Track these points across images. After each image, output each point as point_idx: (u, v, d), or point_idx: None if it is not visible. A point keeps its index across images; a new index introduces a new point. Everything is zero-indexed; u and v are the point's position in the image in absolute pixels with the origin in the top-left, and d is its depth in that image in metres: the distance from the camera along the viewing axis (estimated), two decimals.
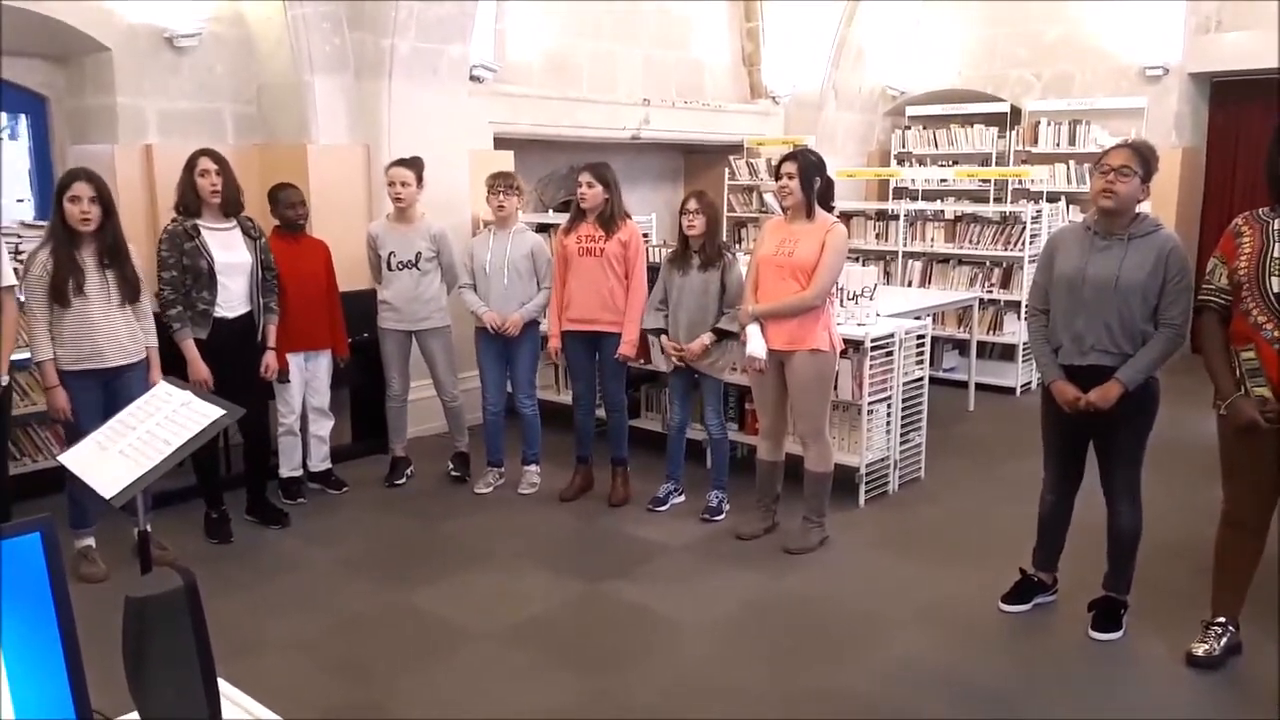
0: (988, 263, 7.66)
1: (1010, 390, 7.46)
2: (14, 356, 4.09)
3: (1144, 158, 3.43)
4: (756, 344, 4.36)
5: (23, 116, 5.69)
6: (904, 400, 5.26)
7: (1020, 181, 8.80)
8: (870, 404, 5.04)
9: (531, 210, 7.65)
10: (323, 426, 5.23)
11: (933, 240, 7.89)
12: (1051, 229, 6.96)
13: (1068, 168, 8.82)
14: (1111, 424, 3.50)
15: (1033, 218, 7.32)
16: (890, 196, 9.55)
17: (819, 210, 4.33)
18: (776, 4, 9.22)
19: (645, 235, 5.94)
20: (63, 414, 4.03)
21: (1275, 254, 3.18)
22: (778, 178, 4.38)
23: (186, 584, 1.36)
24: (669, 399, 5.11)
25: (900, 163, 10.02)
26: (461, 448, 5.52)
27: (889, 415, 5.20)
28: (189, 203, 4.42)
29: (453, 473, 5.49)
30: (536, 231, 5.45)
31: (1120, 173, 3.37)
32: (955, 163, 9.61)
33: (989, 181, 9.33)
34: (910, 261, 7.97)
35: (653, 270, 5.01)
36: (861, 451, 5.06)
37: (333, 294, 5.14)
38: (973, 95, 9.74)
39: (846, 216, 7.72)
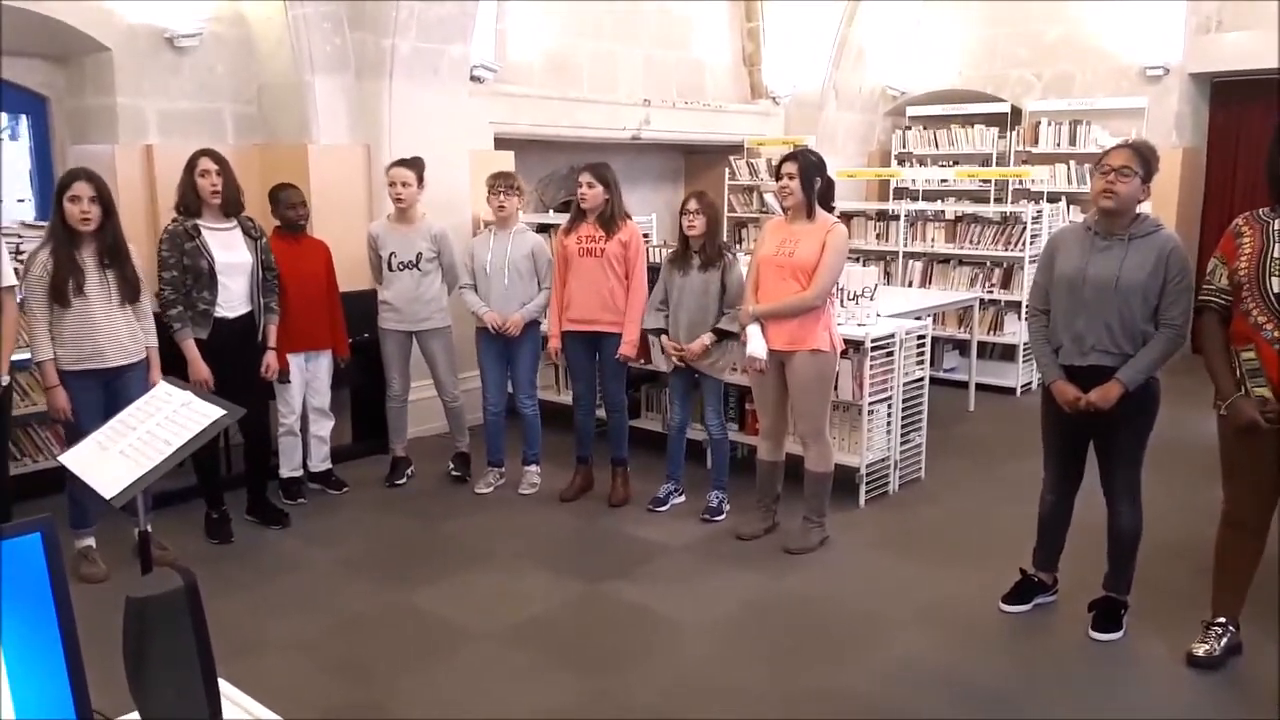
0: (988, 263, 7.66)
1: (1011, 390, 7.46)
2: (14, 357, 4.09)
3: (1144, 158, 3.43)
4: (757, 344, 4.36)
5: (23, 117, 5.69)
6: (904, 400, 5.26)
7: (1021, 182, 8.80)
8: (871, 404, 5.04)
9: (532, 210, 7.66)
10: (323, 427, 5.23)
11: (933, 240, 7.89)
12: (1052, 229, 6.96)
13: (1068, 168, 8.82)
14: (1112, 424, 3.50)
15: (1033, 218, 7.32)
16: (891, 197, 9.55)
17: (819, 210, 4.33)
18: (777, 4, 9.22)
19: (645, 235, 5.95)
20: (63, 414, 4.03)
21: (1275, 254, 3.18)
22: (778, 178, 4.39)
23: (187, 584, 1.37)
24: (669, 399, 5.11)
25: (901, 163, 10.02)
26: (462, 448, 5.52)
27: (889, 415, 5.20)
28: (189, 203, 4.42)
29: (453, 473, 5.49)
30: (537, 232, 5.45)
31: (1121, 173, 3.37)
32: (956, 163, 9.61)
33: (989, 182, 9.33)
34: (911, 262, 7.97)
35: (653, 270, 5.01)
36: (862, 452, 5.06)
37: (333, 294, 5.14)
38: (973, 95, 9.74)
39: (847, 217, 7.72)
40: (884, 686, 3.35)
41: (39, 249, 3.99)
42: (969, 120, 9.73)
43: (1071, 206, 8.26)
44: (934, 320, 6.97)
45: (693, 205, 4.66)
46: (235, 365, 4.50)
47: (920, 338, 5.37)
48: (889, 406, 5.18)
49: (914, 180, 9.57)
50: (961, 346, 7.68)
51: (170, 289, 4.38)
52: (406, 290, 5.21)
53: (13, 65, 5.38)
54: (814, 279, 4.24)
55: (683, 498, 5.10)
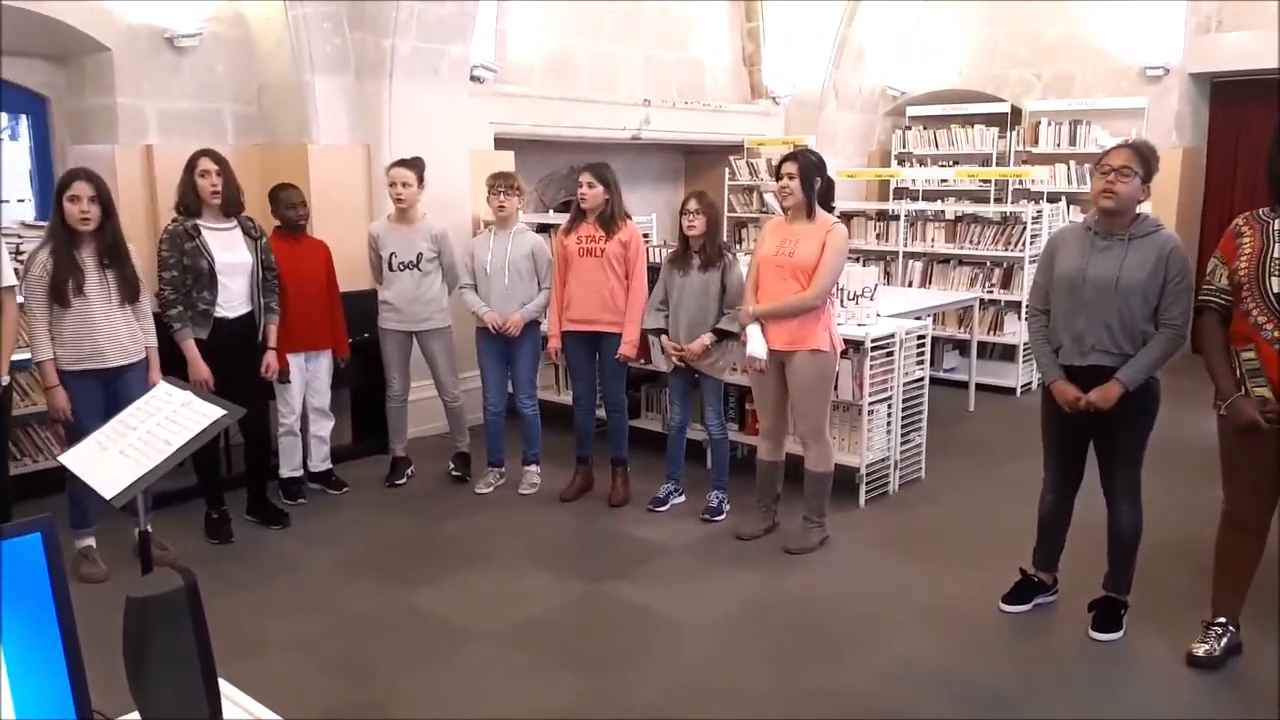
0: (988, 263, 7.66)
1: (1011, 390, 7.46)
2: (14, 357, 4.09)
3: (1144, 158, 3.43)
4: (757, 344, 4.36)
5: (23, 117, 5.69)
6: (904, 400, 5.26)
7: (1021, 182, 8.79)
8: (871, 404, 5.04)
9: (532, 210, 7.66)
10: (323, 427, 5.23)
11: (933, 240, 7.89)
12: (1052, 229, 6.96)
13: (1068, 168, 8.82)
14: (1112, 424, 3.50)
15: (1033, 218, 7.32)
16: (891, 197, 9.55)
17: (819, 210, 4.33)
18: (777, 4, 9.22)
19: (645, 235, 5.95)
20: (63, 414, 4.03)
21: (1275, 254, 3.18)
22: (778, 178, 4.39)
23: (187, 584, 1.37)
24: (669, 399, 5.11)
25: (901, 163, 10.02)
26: (462, 448, 5.52)
27: (889, 415, 5.20)
28: (189, 203, 4.43)
29: (453, 473, 5.49)
30: (537, 232, 5.45)
31: (1121, 173, 3.37)
32: (956, 163, 9.61)
33: (989, 182, 9.33)
34: (911, 262, 7.97)
35: (653, 270, 5.01)
36: (862, 452, 5.06)
37: (333, 294, 5.14)
38: (973, 95, 9.74)
39: (847, 217, 7.72)
40: (884, 686, 3.35)
41: (38, 249, 3.99)
42: (969, 120, 9.73)
43: (1071, 207, 8.26)
44: (934, 320, 6.97)
45: (693, 205, 4.66)
46: (235, 365, 4.50)
47: (920, 338, 5.37)
48: (889, 406, 5.18)
49: (914, 180, 9.57)
50: (961, 346, 7.68)
51: (170, 289, 4.38)
52: (407, 290, 5.21)
53: (13, 65, 5.38)
54: (814, 279, 4.24)
55: (683, 498, 5.10)
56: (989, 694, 3.31)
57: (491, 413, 5.27)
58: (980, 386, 7.25)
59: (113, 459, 2.66)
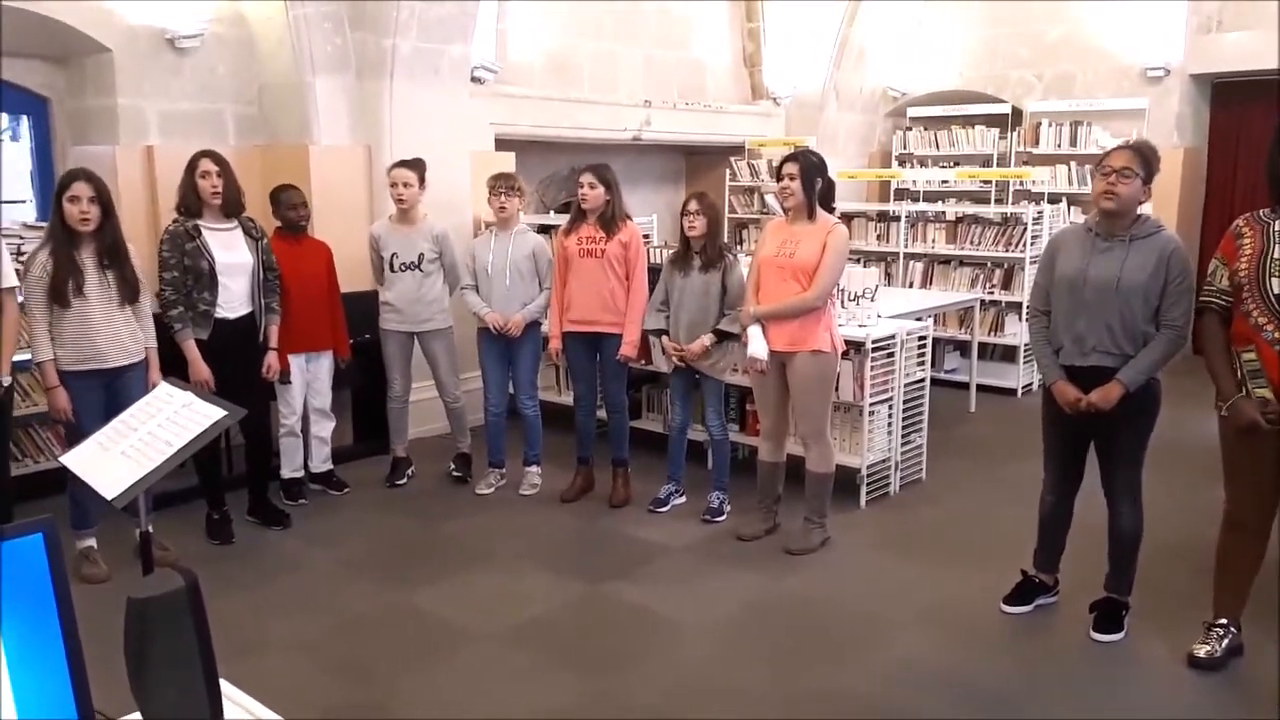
0: (989, 264, 7.66)
1: (1011, 391, 7.46)
2: (15, 357, 4.09)
3: (1145, 159, 3.43)
4: (758, 345, 4.36)
5: (24, 118, 5.69)
6: (905, 401, 5.26)
7: (1021, 183, 8.80)
8: (871, 405, 5.04)
9: (533, 211, 7.66)
10: (324, 427, 5.23)
11: (934, 241, 7.88)
12: (1053, 230, 6.96)
13: (1069, 169, 8.82)
14: (1112, 425, 3.50)
15: (1034, 219, 7.32)
16: (891, 198, 9.56)
17: (820, 211, 4.34)
18: (778, 4, 9.22)
19: (646, 236, 5.95)
20: (64, 414, 4.03)
21: (1276, 255, 3.18)
22: (779, 179, 4.39)
23: (188, 584, 1.37)
24: (670, 400, 5.11)
25: (901, 164, 10.02)
26: (463, 448, 5.52)
27: (890, 416, 5.20)
28: (190, 204, 4.43)
29: (454, 473, 5.49)
30: (538, 233, 5.45)
31: (1122, 175, 3.37)
32: (956, 164, 9.60)
33: (990, 183, 9.33)
34: (911, 263, 7.96)
35: (654, 271, 5.01)
36: (863, 452, 5.06)
37: (334, 295, 5.14)
38: (974, 96, 9.74)
39: (848, 218, 7.72)
40: (885, 687, 3.35)
41: (38, 249, 4.00)
42: (970, 121, 9.74)
43: (1072, 208, 8.26)
44: (935, 321, 6.97)
45: (693, 206, 4.66)
46: (236, 366, 4.50)
47: (921, 339, 5.37)
48: (890, 407, 5.18)
49: (915, 181, 9.57)
50: (962, 347, 7.68)
51: (171, 289, 4.38)
52: (408, 291, 5.21)
53: (13, 66, 5.39)
54: (815, 280, 4.24)
55: (683, 498, 5.10)
56: (990, 695, 3.30)
57: (492, 413, 5.27)
58: (981, 387, 7.25)
59: (114, 460, 2.66)
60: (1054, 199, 8.18)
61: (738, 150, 9.33)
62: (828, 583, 4.20)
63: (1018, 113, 9.47)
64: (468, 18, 6.20)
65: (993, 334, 7.71)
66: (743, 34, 9.47)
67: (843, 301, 5.10)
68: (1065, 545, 3.89)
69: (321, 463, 5.29)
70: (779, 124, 9.65)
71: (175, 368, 4.31)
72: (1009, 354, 7.76)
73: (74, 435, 3.83)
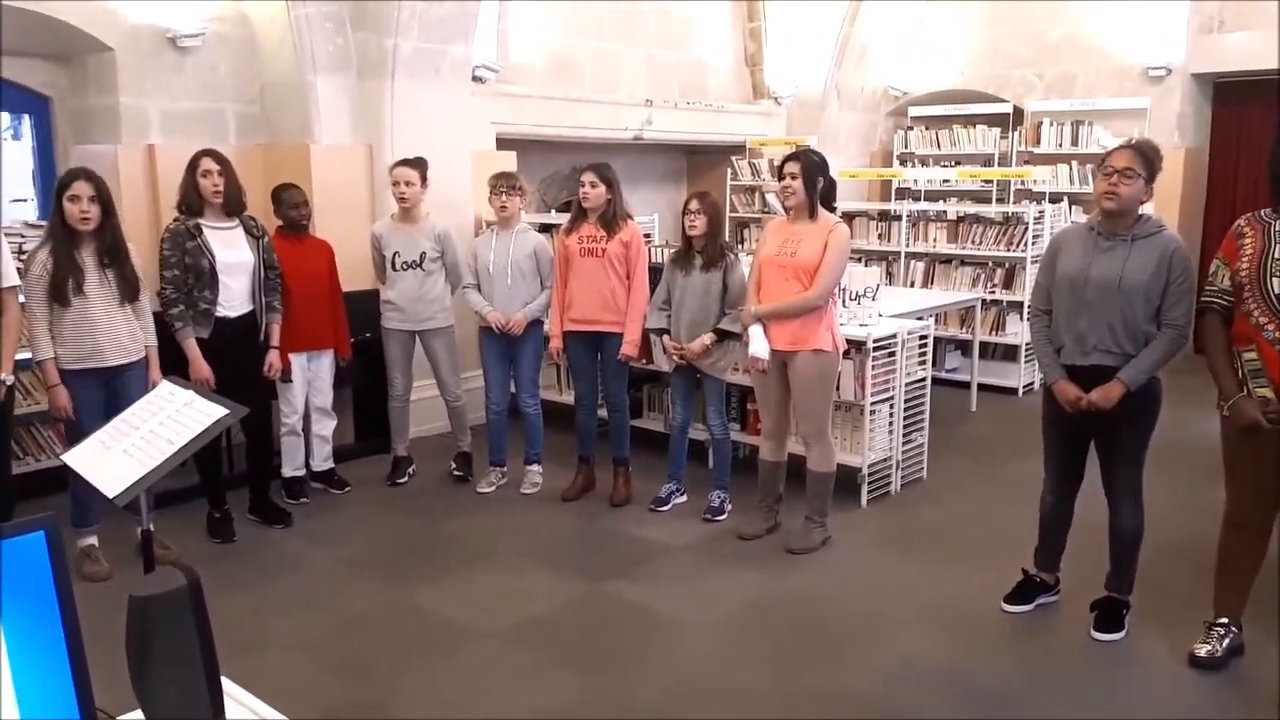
0: (990, 263, 7.66)
1: (1013, 391, 7.46)
2: (17, 356, 4.10)
3: (1148, 159, 3.42)
4: (759, 344, 4.36)
5: (26, 116, 5.70)
6: (906, 400, 5.25)
7: (1023, 182, 8.79)
8: (873, 404, 5.04)
9: (534, 210, 7.66)
10: (325, 426, 5.23)
11: (935, 241, 7.88)
12: (1054, 230, 6.96)
13: (1070, 168, 8.81)
14: (1113, 424, 3.50)
15: (1035, 218, 7.32)
16: (893, 197, 9.55)
17: (821, 210, 4.34)
18: (779, 4, 9.22)
19: (647, 236, 5.95)
20: (64, 412, 4.03)
21: (1276, 255, 3.18)
22: (780, 178, 4.39)
23: (190, 583, 1.37)
24: (671, 399, 5.11)
25: (903, 163, 10.02)
26: (464, 447, 5.52)
27: (891, 415, 5.19)
28: (191, 202, 4.43)
29: (455, 472, 5.49)
30: (539, 232, 5.45)
31: (1124, 175, 3.37)
32: (958, 163, 9.60)
33: (991, 182, 9.33)
34: (913, 262, 7.96)
35: (655, 270, 5.01)
36: (864, 452, 5.06)
37: (336, 294, 5.14)
38: (975, 95, 9.74)
39: (849, 217, 7.71)
40: (886, 686, 3.35)
41: (38, 248, 4.00)
42: (971, 120, 9.73)
43: (1074, 207, 8.25)
44: (936, 320, 6.96)
45: (694, 205, 4.67)
46: (237, 364, 4.50)
47: (922, 338, 5.36)
48: (891, 406, 5.17)
49: (916, 180, 9.57)
50: (963, 347, 7.67)
51: (172, 288, 4.39)
52: (410, 290, 5.21)
53: (15, 65, 5.39)
54: (816, 279, 4.24)
55: (684, 497, 5.10)
56: (991, 694, 3.31)
57: (494, 412, 5.27)
58: (982, 387, 7.25)
59: (115, 458, 2.66)
60: (1055, 198, 8.17)
61: (739, 149, 9.33)
62: (829, 582, 4.20)
63: (1019, 112, 9.46)
64: (469, 18, 6.20)
65: (994, 333, 7.71)
66: (744, 33, 9.47)
67: (844, 301, 5.10)
68: (1066, 544, 3.89)
69: (323, 461, 5.29)
70: (780, 123, 9.65)
71: (175, 367, 4.31)
72: (1010, 353, 7.76)
73: (74, 434, 3.84)
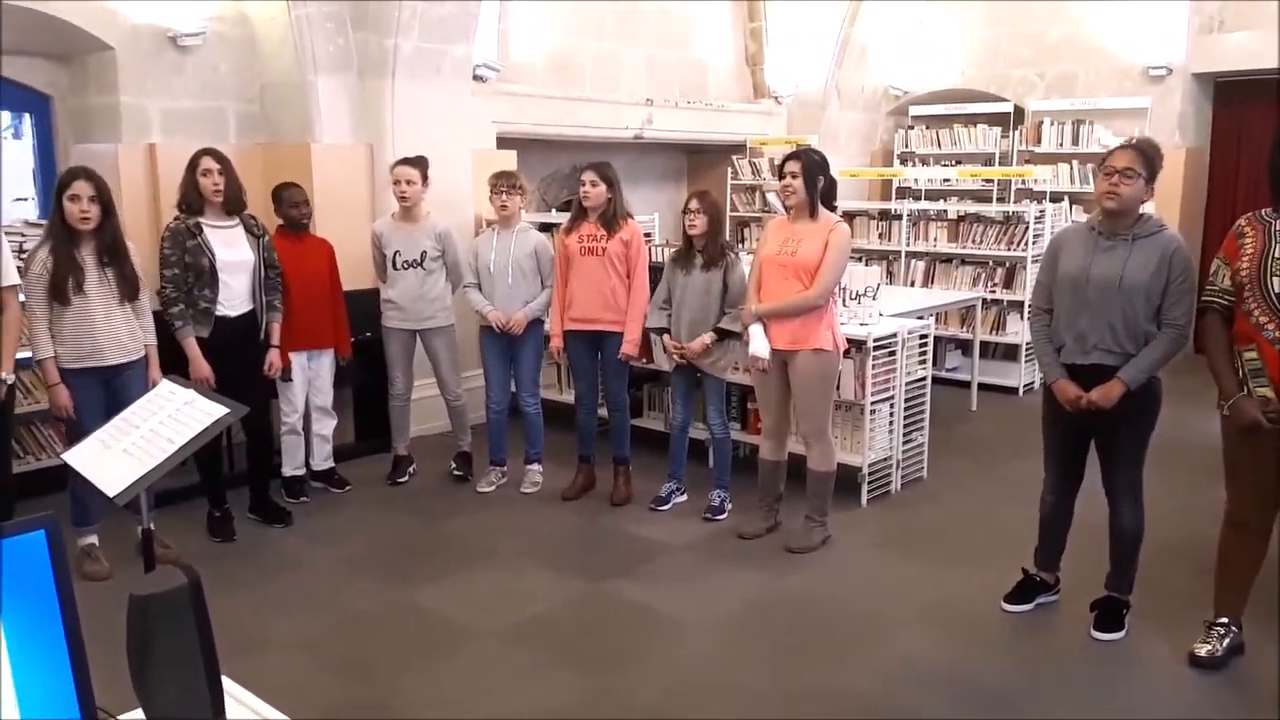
0: (991, 263, 7.66)
1: (1013, 390, 7.46)
2: (17, 355, 4.10)
3: (1148, 158, 3.42)
4: (760, 344, 4.36)
5: (27, 115, 5.70)
6: (906, 400, 5.25)
7: (1023, 181, 8.79)
8: (873, 404, 5.04)
9: (534, 210, 7.66)
10: (325, 425, 5.23)
11: (936, 240, 7.88)
12: (1054, 229, 6.96)
13: (1071, 168, 8.81)
14: (1113, 423, 3.50)
15: (1036, 218, 7.32)
16: (893, 196, 9.54)
17: (822, 210, 4.34)
18: (779, 3, 9.22)
19: (647, 235, 5.94)
20: (64, 411, 4.03)
21: (1277, 255, 3.18)
22: (781, 177, 4.39)
23: (190, 582, 1.37)
24: (671, 398, 5.11)
25: (903, 162, 10.01)
26: (464, 447, 5.52)
27: (892, 415, 5.19)
28: (191, 202, 4.43)
29: (455, 471, 5.49)
30: (539, 231, 5.45)
31: (1125, 175, 3.37)
32: (958, 162, 9.60)
33: (992, 181, 9.32)
34: (913, 261, 7.97)
35: (655, 270, 5.01)
36: (864, 451, 5.06)
37: (336, 293, 5.15)
38: (976, 95, 9.73)
39: (849, 216, 7.71)
40: (886, 686, 3.35)
41: (38, 247, 4.01)
42: (972, 120, 9.72)
43: (1074, 206, 8.25)
44: (936, 320, 6.96)
45: (695, 205, 4.67)
46: (237, 363, 4.50)
47: (922, 337, 5.36)
48: (891, 406, 5.17)
49: (916, 180, 9.56)
50: (964, 346, 7.67)
51: (172, 287, 4.39)
52: (411, 289, 5.21)
53: (16, 64, 5.39)
54: (817, 278, 4.24)
55: (685, 497, 5.10)
56: (991, 693, 3.31)
57: (494, 411, 5.27)
58: (982, 386, 7.25)
59: (116, 457, 2.67)
60: (1056, 198, 8.17)
61: (739, 149, 9.33)
62: (829, 581, 4.20)
63: (1020, 111, 9.46)
64: (469, 18, 6.20)
65: (994, 333, 7.71)
66: (745, 33, 9.47)
67: (844, 300, 5.10)
68: (1066, 544, 3.89)
69: (323, 460, 5.29)
70: (781, 123, 9.65)
71: (175, 366, 4.31)
72: (1010, 353, 7.77)
73: (74, 433, 3.84)
